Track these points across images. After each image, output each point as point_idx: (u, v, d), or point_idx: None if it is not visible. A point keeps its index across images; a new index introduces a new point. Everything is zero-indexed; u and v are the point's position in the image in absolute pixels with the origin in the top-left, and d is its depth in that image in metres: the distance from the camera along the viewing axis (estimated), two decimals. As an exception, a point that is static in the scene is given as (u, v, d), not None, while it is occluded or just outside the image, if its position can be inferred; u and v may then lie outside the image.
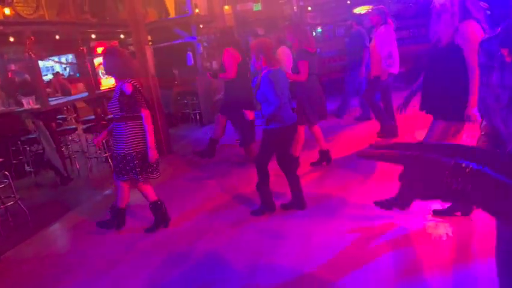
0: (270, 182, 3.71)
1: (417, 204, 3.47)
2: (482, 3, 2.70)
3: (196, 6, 8.84)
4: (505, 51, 1.29)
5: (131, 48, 9.30)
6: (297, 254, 3.10)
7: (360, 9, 10.49)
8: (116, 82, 3.66)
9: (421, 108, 3.07)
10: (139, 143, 3.53)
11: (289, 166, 3.72)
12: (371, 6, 10.14)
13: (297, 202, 3.74)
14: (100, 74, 9.65)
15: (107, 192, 5.42)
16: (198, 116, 9.17)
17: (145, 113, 3.50)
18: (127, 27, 8.07)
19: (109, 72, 3.67)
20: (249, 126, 5.21)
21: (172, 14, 9.01)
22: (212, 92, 9.22)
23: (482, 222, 3.08)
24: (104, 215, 4.19)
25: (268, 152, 3.62)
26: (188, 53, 8.52)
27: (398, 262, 2.79)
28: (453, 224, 3.08)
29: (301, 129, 4.66)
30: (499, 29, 1.41)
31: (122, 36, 8.41)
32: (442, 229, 3.07)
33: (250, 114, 4.89)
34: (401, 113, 3.30)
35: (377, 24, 5.20)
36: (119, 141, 3.52)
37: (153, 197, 3.82)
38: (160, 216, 3.85)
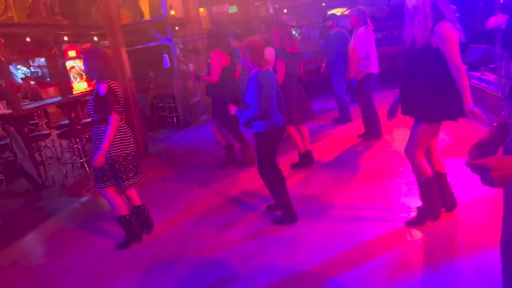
0: (284, 184, 3.55)
1: (401, 203, 3.54)
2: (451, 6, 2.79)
3: (171, 8, 8.73)
4: None
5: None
6: (288, 255, 3.08)
7: (335, 11, 10.67)
8: (95, 84, 3.53)
9: (403, 112, 3.08)
10: (119, 146, 3.41)
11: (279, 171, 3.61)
12: (345, 9, 10.35)
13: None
14: (72, 78, 9.42)
15: (84, 199, 5.26)
16: (175, 119, 9.07)
17: (113, 118, 3.27)
18: (101, 29, 7.91)
19: (90, 72, 3.48)
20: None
21: (147, 16, 8.87)
22: (189, 95, 9.14)
23: (467, 218, 3.16)
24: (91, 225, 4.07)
25: (265, 155, 3.49)
26: (164, 55, 8.40)
27: (389, 261, 2.82)
28: (439, 221, 3.14)
29: (291, 129, 4.72)
30: None
31: (95, 38, 8.21)
32: (427, 227, 3.12)
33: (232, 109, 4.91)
34: (389, 119, 3.26)
35: (357, 25, 5.22)
36: (98, 145, 3.37)
37: (137, 201, 3.72)
38: (143, 221, 3.75)
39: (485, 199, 3.34)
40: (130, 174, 3.50)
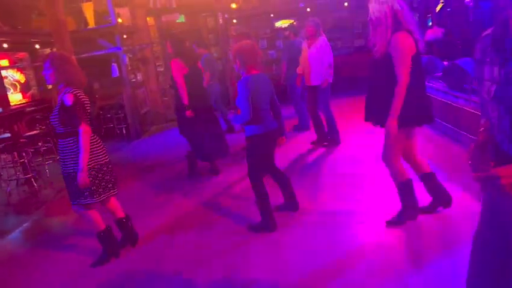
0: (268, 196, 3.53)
1: (376, 205, 3.67)
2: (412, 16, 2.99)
3: (119, 16, 8.45)
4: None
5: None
6: (272, 266, 3.06)
7: (281, 23, 10.95)
8: (58, 92, 3.26)
9: (367, 119, 3.20)
10: (92, 158, 3.19)
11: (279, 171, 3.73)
12: (292, 21, 10.67)
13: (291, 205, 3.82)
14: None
15: (35, 217, 4.88)
16: (124, 131, 8.73)
17: (83, 129, 3.08)
18: (43, 36, 7.46)
19: (59, 80, 3.16)
20: (201, 138, 5.08)
21: (92, 24, 8.49)
22: (139, 105, 8.87)
23: (446, 218, 3.35)
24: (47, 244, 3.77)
25: (257, 161, 3.48)
26: (113, 64, 8.08)
27: (373, 264, 2.91)
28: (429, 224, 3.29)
29: None
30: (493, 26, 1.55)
31: (37, 46, 7.70)
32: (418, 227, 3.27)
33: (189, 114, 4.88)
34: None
35: (313, 36, 5.41)
36: (67, 159, 3.16)
37: (120, 212, 3.54)
38: (127, 234, 3.58)
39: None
40: (109, 185, 3.32)
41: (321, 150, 5.65)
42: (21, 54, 8.55)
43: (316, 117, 5.73)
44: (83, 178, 3.07)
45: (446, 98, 5.24)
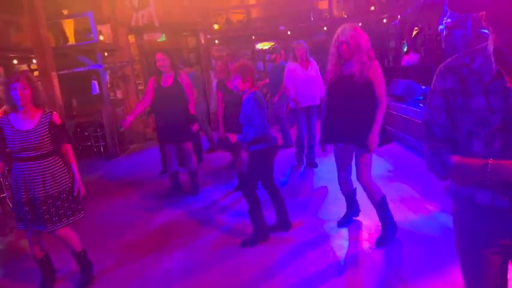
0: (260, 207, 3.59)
1: (354, 221, 3.71)
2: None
3: (100, 33, 8.39)
4: (508, 78, 1.37)
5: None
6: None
7: (262, 45, 11.15)
8: (29, 112, 3.01)
9: (340, 141, 3.36)
10: (66, 179, 3.14)
11: (277, 187, 3.75)
12: (272, 43, 10.87)
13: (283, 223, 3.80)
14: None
15: (9, 238, 4.67)
16: (102, 149, 8.54)
17: (69, 145, 3.21)
18: (21, 52, 7.31)
19: (34, 99, 3.00)
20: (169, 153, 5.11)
21: (72, 41, 8.38)
22: (118, 123, 8.73)
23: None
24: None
25: (256, 175, 3.58)
26: (93, 81, 7.98)
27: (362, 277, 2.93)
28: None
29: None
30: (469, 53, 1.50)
31: (15, 61, 7.51)
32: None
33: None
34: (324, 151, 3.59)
35: (305, 58, 5.53)
36: (48, 180, 3.04)
37: (78, 245, 3.29)
38: (86, 269, 3.37)
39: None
40: (68, 213, 3.12)
41: (308, 169, 5.75)
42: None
43: (311, 137, 5.79)
44: (82, 188, 3.20)
45: (405, 112, 5.56)
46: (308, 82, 5.51)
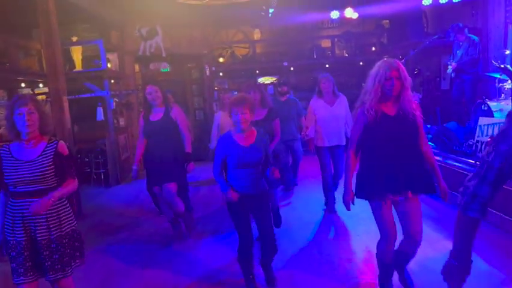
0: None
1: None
2: None
3: (108, 61, 8.46)
4: None
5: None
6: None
7: (264, 79, 11.34)
8: (33, 140, 2.67)
9: (395, 192, 2.78)
10: (71, 220, 2.77)
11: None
12: (274, 78, 11.08)
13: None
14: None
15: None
16: (102, 176, 8.41)
17: (76, 181, 2.78)
18: (30, 76, 7.32)
19: (41, 126, 2.68)
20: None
21: (79, 67, 8.43)
22: (121, 150, 8.66)
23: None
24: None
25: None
26: (98, 108, 7.97)
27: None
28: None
29: None
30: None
31: (23, 84, 7.50)
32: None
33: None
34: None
35: (330, 92, 5.02)
36: (63, 218, 2.73)
37: None
38: None
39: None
40: (71, 261, 2.75)
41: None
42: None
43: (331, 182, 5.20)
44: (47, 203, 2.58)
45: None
46: (333, 120, 4.98)
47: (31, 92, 9.10)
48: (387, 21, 10.14)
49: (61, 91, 5.80)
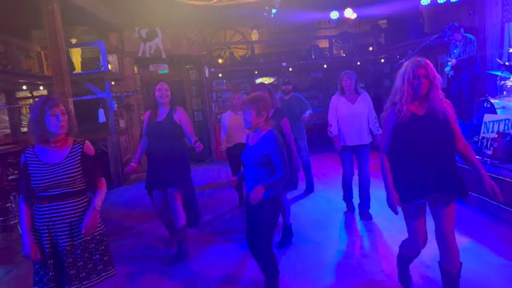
0: None
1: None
2: None
3: (108, 62, 8.43)
4: None
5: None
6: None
7: (262, 80, 11.37)
8: (59, 143, 2.62)
9: (433, 192, 2.67)
10: (99, 222, 2.70)
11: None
12: (273, 79, 11.12)
13: None
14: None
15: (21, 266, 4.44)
16: (103, 178, 8.38)
17: (103, 180, 2.75)
18: (31, 78, 7.26)
19: (70, 129, 2.64)
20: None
21: (78, 69, 8.38)
22: (122, 152, 8.64)
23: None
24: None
25: (271, 228, 3.02)
26: (100, 109, 7.93)
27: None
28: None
29: None
30: None
31: (24, 87, 7.43)
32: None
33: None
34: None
35: (353, 90, 4.88)
36: (74, 225, 2.61)
37: None
38: None
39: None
40: (98, 268, 2.67)
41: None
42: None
43: (362, 183, 4.97)
44: (96, 216, 2.60)
45: None
46: (355, 118, 4.81)
47: (30, 95, 9.07)
48: (384, 21, 10.27)
49: (67, 93, 5.77)
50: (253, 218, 3.04)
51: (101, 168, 2.78)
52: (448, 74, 7.01)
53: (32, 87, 7.89)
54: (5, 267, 4.51)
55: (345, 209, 5.21)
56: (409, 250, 2.94)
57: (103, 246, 2.69)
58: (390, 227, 4.48)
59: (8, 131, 8.55)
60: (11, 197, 5.39)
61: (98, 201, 2.63)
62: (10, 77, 6.37)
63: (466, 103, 6.78)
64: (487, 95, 5.53)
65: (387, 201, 2.75)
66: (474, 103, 6.65)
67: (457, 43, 6.82)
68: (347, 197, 5.16)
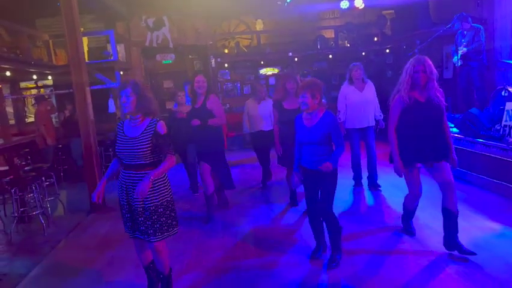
0: None
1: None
2: None
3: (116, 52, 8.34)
4: None
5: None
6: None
7: (266, 71, 11.38)
8: (138, 120, 2.99)
9: (435, 160, 3.52)
10: (165, 193, 3.05)
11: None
12: (277, 69, 11.14)
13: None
14: None
15: (46, 261, 4.42)
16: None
17: (172, 156, 3.02)
18: (42, 67, 7.16)
19: (138, 108, 2.96)
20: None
21: (86, 59, 8.27)
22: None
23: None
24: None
25: (334, 193, 3.50)
26: (110, 99, 7.85)
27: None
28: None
29: None
30: None
31: (35, 76, 7.31)
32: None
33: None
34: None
35: (361, 79, 5.51)
36: (155, 191, 2.98)
37: (167, 265, 3.20)
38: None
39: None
40: (163, 228, 3.05)
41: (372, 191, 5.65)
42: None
43: (370, 159, 5.68)
44: (148, 185, 2.88)
45: (460, 144, 5.60)
46: (363, 104, 5.48)
47: (34, 85, 8.94)
48: (390, 11, 10.31)
49: (85, 82, 5.71)
50: (317, 186, 3.53)
51: (170, 146, 3.04)
52: (455, 64, 7.09)
53: (40, 76, 7.78)
54: (29, 258, 4.44)
55: (354, 185, 5.87)
56: (410, 201, 3.82)
57: (168, 211, 3.06)
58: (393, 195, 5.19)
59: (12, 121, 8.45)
60: (32, 188, 5.32)
61: (155, 172, 2.94)
62: (23, 66, 6.28)
63: (478, 91, 6.87)
64: (505, 83, 5.63)
65: (394, 167, 3.58)
66: (485, 91, 6.77)
67: (465, 32, 6.88)
68: (356, 175, 5.81)
